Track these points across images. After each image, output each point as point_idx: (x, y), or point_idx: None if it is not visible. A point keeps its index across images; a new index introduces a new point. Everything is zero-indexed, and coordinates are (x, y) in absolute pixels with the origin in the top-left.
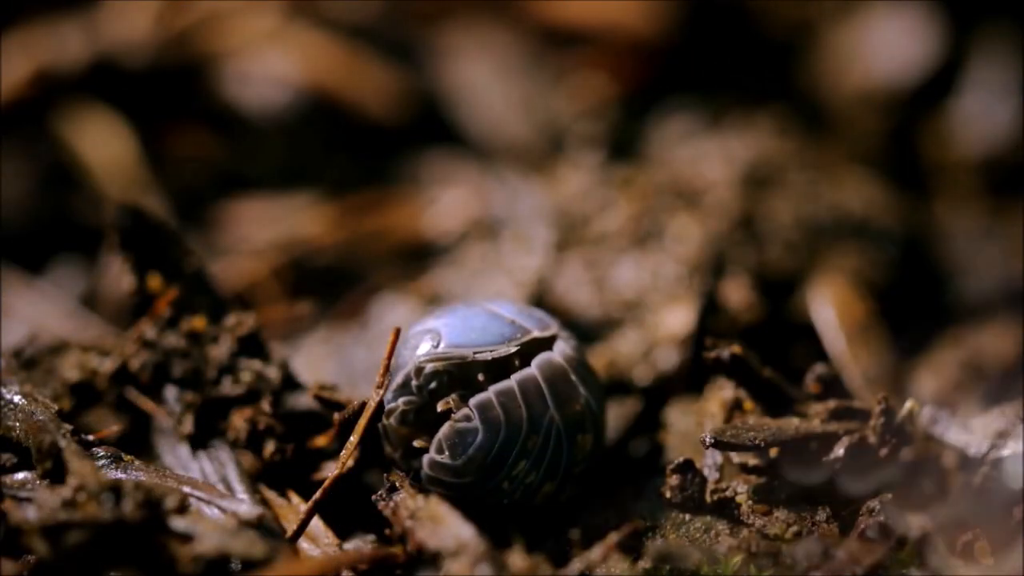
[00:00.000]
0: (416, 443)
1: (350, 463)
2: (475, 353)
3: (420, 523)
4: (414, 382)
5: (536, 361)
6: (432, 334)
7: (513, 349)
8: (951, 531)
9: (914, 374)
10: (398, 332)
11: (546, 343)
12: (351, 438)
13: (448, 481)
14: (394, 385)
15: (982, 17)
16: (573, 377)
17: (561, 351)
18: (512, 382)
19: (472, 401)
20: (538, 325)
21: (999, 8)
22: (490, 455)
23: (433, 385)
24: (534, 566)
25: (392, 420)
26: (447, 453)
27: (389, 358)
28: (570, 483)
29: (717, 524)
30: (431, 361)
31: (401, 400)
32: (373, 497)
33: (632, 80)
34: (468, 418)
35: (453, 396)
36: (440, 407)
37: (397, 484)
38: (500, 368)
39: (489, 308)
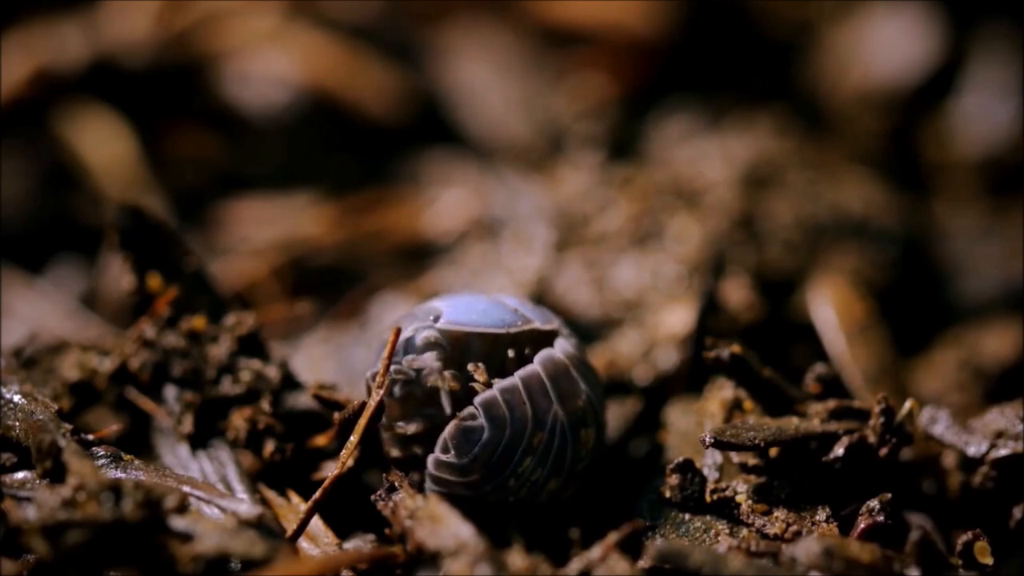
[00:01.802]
0: (398, 428)
1: (350, 463)
2: (472, 331)
3: (419, 523)
4: (405, 354)
5: (538, 358)
6: (432, 311)
7: (513, 332)
8: (951, 531)
9: (914, 374)
10: (398, 332)
11: (547, 336)
12: (351, 438)
13: (454, 480)
14: (385, 353)
15: (982, 17)
16: (574, 373)
17: (562, 348)
18: (516, 379)
19: (477, 400)
20: (541, 319)
21: (999, 8)
22: (496, 452)
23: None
24: (533, 565)
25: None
26: (453, 452)
27: (389, 358)
28: (574, 480)
29: (717, 524)
30: (426, 329)
31: (391, 370)
32: (372, 497)
33: (632, 80)
34: (473, 416)
35: (446, 372)
36: (429, 382)
37: (396, 484)
38: (495, 353)
39: (494, 297)
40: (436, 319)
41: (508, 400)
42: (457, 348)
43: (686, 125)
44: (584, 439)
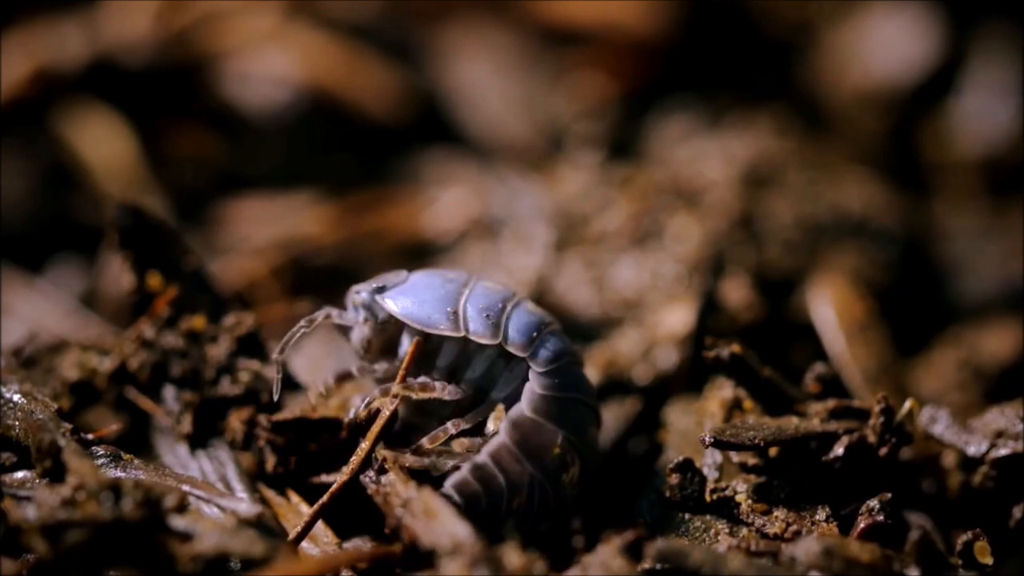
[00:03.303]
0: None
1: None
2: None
3: (414, 517)
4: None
5: (503, 425)
6: (390, 280)
7: (432, 337)
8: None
9: (914, 374)
10: (418, 344)
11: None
12: (362, 444)
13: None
14: (404, 364)
15: (982, 17)
16: (543, 420)
17: (529, 395)
18: (484, 456)
19: (448, 483)
20: (488, 332)
21: (999, 8)
22: (480, 515)
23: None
24: (530, 564)
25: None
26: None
27: (407, 369)
28: (569, 506)
29: (717, 523)
30: (364, 294)
31: (334, 313)
32: (362, 478)
33: (632, 80)
34: (449, 496)
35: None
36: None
37: (386, 465)
38: (428, 344)
39: (457, 290)
40: (380, 291)
41: (480, 477)
42: (397, 324)
43: (686, 125)
44: (567, 480)
